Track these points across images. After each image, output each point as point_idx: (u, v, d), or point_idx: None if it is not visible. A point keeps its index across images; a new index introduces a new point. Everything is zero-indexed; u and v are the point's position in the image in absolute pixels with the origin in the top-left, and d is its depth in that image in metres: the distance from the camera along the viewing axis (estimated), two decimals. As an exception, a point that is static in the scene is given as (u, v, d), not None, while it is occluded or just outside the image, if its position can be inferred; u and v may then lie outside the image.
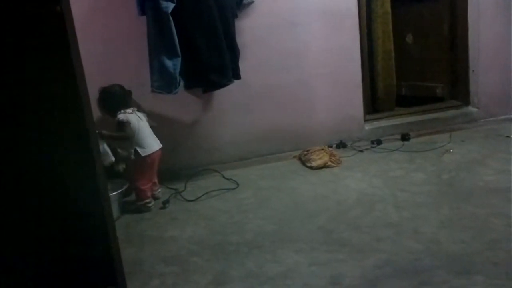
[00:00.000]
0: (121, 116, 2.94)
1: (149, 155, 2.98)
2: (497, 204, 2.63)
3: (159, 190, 3.13)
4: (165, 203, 3.07)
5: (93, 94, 3.14)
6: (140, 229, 2.79)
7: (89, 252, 1.65)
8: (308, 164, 3.50)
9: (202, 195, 3.15)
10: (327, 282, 2.07)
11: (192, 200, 3.11)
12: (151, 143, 3.01)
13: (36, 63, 1.48)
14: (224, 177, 3.46)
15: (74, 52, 1.51)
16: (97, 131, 2.85)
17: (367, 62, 4.07)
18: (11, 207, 1.58)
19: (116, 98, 3.00)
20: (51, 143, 1.56)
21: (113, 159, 2.93)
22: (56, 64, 1.49)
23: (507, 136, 3.69)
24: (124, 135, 2.94)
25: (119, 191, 2.95)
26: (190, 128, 3.60)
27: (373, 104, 4.29)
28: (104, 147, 2.88)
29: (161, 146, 3.06)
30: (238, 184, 3.29)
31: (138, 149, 2.94)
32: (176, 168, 3.54)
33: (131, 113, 2.98)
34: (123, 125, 2.93)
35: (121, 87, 3.04)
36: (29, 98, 1.51)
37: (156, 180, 3.12)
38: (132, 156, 2.95)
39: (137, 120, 2.97)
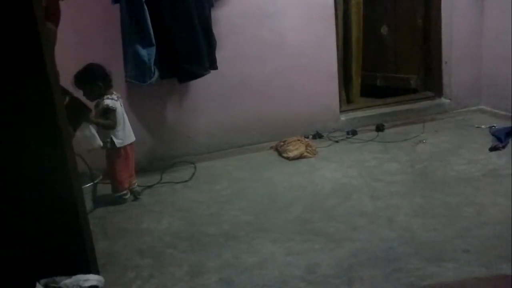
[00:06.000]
0: (109, 102, 2.81)
1: (124, 147, 2.93)
2: (469, 192, 2.69)
3: (136, 183, 3.09)
4: (138, 194, 3.03)
5: (65, 83, 3.08)
6: (115, 222, 2.75)
7: (62, 245, 1.63)
8: (285, 155, 3.51)
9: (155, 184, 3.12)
10: (303, 271, 2.09)
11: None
12: (127, 135, 2.94)
13: (4, 54, 1.44)
14: (195, 168, 3.44)
15: (44, 41, 1.47)
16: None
17: (341, 53, 4.09)
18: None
19: (100, 79, 2.81)
20: (22, 137, 1.53)
21: (101, 143, 2.83)
22: (25, 54, 1.45)
23: (477, 127, 3.77)
24: (110, 124, 2.82)
25: (92, 183, 2.89)
26: (166, 119, 3.56)
27: (347, 93, 4.31)
28: (91, 130, 2.79)
29: (134, 138, 3.00)
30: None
31: (114, 140, 2.88)
32: (152, 159, 3.50)
33: (116, 100, 2.87)
34: (109, 112, 2.81)
35: (103, 67, 2.85)
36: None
37: (133, 172, 3.07)
38: (108, 145, 2.88)
39: (120, 108, 2.90)
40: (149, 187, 3.18)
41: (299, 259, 2.19)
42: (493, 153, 3.20)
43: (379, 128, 3.93)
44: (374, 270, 2.04)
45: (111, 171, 2.95)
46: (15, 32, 1.41)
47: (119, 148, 2.90)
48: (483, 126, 3.74)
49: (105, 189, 3.04)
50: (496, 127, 3.60)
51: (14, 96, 1.48)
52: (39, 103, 1.50)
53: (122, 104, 2.93)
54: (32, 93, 1.49)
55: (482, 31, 4.02)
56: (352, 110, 4.13)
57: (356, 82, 4.35)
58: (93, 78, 2.79)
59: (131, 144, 2.97)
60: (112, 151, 2.91)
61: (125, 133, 2.93)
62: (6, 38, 1.41)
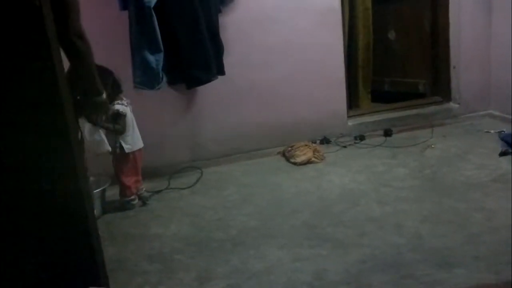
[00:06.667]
0: (120, 107, 2.82)
1: (132, 152, 2.94)
2: (478, 198, 2.67)
3: (144, 188, 3.09)
4: (146, 200, 3.04)
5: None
6: (123, 227, 2.76)
7: (71, 251, 1.63)
8: (292, 160, 3.51)
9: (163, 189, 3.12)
10: (311, 277, 2.08)
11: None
12: (136, 140, 2.96)
13: (13, 59, 1.45)
14: (201, 174, 3.44)
15: (54, 47, 1.49)
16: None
17: (347, 58, 4.08)
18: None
19: (111, 83, 2.77)
20: (32, 141, 1.53)
21: (109, 148, 2.85)
22: (34, 59, 1.46)
23: (486, 132, 3.74)
24: (119, 129, 2.84)
25: (101, 188, 2.90)
26: (174, 125, 3.57)
27: (350, 98, 4.30)
28: (101, 134, 2.81)
29: (142, 145, 3.02)
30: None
31: (123, 145, 2.89)
32: (159, 165, 3.51)
33: (126, 105, 2.88)
34: (119, 117, 2.83)
35: (112, 71, 2.80)
36: (8, 95, 1.48)
37: (140, 177, 3.08)
38: (117, 150, 2.90)
39: (130, 114, 2.91)
40: (157, 192, 3.19)
41: (307, 265, 2.18)
42: (502, 158, 3.17)
43: (387, 133, 3.92)
44: (382, 276, 2.03)
45: (119, 176, 2.96)
46: (22, 28, 1.41)
47: (128, 153, 2.91)
48: (492, 131, 3.72)
49: (113, 195, 3.05)
50: (505, 132, 3.57)
51: (19, 95, 1.48)
52: (45, 103, 1.49)
53: (131, 110, 2.95)
54: (38, 94, 1.49)
55: (490, 35, 3.99)
56: (359, 115, 4.12)
57: (364, 87, 4.35)
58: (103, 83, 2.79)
59: (139, 149, 2.99)
60: (121, 156, 2.92)
61: (134, 139, 2.94)
62: (13, 34, 1.41)
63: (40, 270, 1.62)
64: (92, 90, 2.07)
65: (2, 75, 1.46)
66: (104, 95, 2.12)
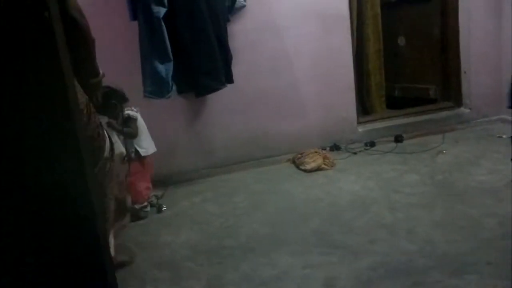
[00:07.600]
0: (130, 112, 2.88)
1: (146, 157, 2.97)
2: (490, 203, 2.63)
3: (154, 196, 3.11)
4: (160, 207, 3.05)
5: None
6: (133, 235, 2.77)
7: (80, 258, 1.64)
8: (302, 167, 3.51)
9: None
10: (321, 284, 2.07)
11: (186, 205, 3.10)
12: (149, 145, 3.00)
13: (23, 70, 1.47)
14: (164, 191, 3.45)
15: (63, 58, 1.51)
16: (106, 121, 2.82)
17: (357, 65, 4.08)
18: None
19: (120, 97, 2.84)
20: (38, 147, 1.55)
21: (124, 150, 2.88)
22: (44, 71, 1.48)
23: (499, 137, 3.70)
24: (132, 132, 2.88)
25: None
26: (183, 133, 3.60)
27: (363, 104, 4.30)
28: (114, 136, 2.83)
29: (155, 149, 3.04)
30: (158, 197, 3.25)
31: (139, 149, 2.92)
32: (169, 172, 3.53)
33: (136, 112, 2.94)
34: (131, 121, 2.87)
35: (109, 86, 2.81)
36: (17, 105, 1.50)
37: (151, 184, 3.10)
38: (132, 155, 2.92)
39: (140, 119, 2.96)
40: (162, 198, 3.20)
41: (317, 272, 2.17)
42: (515, 163, 3.14)
43: (398, 139, 3.90)
44: (394, 284, 2.01)
45: (133, 182, 2.97)
46: (31, 40, 1.43)
47: (143, 158, 2.94)
48: (504, 136, 3.68)
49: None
50: (518, 137, 3.54)
51: (29, 106, 1.49)
52: (54, 113, 1.50)
53: (141, 117, 2.98)
54: (48, 103, 1.49)
55: (501, 39, 3.97)
56: (370, 121, 4.11)
57: (378, 94, 4.33)
58: (113, 100, 2.83)
59: (152, 154, 3.02)
60: (136, 161, 2.95)
61: (147, 143, 2.99)
62: (22, 46, 1.43)
63: (46, 275, 1.63)
64: (92, 71, 1.96)
65: (12, 87, 1.48)
66: (101, 74, 2.07)
